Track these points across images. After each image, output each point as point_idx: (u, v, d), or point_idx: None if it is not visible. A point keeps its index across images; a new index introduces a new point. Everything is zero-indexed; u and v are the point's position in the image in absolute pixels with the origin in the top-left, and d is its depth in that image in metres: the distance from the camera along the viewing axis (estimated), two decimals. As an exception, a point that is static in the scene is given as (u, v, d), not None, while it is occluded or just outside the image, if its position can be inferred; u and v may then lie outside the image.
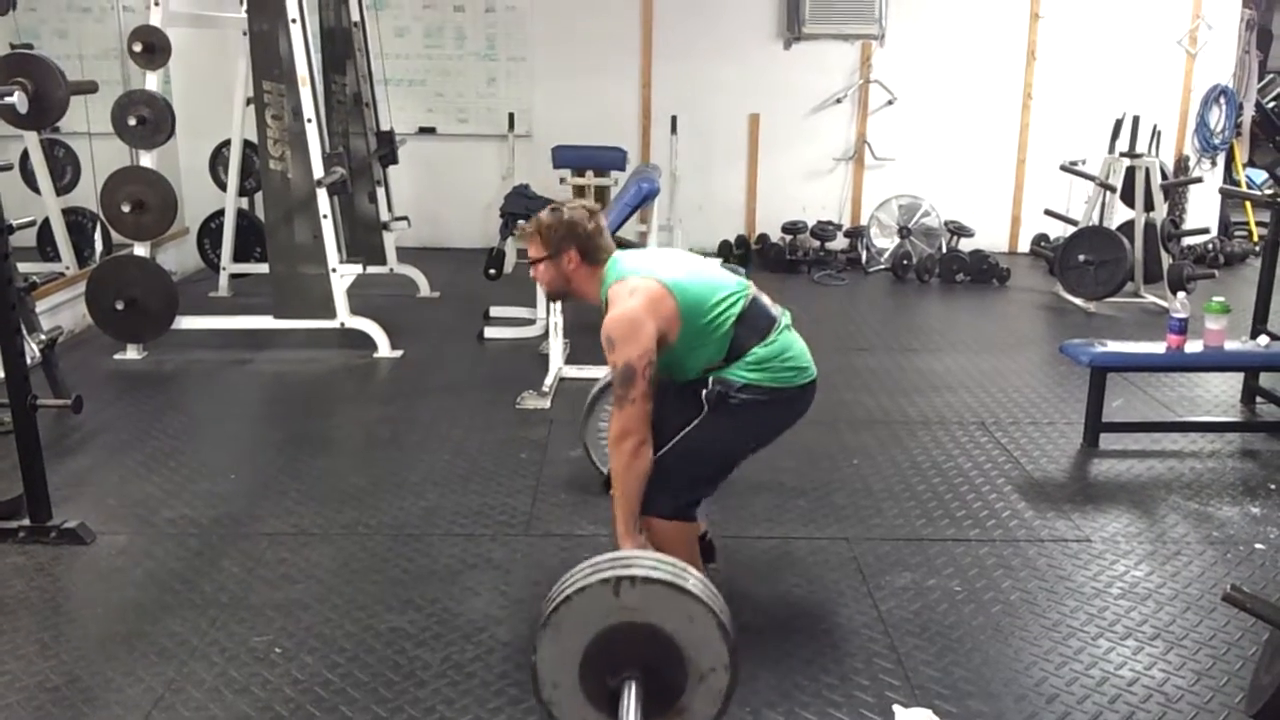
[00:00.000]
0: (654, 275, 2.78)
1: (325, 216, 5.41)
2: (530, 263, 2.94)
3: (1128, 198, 6.99)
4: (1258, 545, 3.46)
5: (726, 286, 2.84)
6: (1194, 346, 4.36)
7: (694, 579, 2.16)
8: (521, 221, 2.95)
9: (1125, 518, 3.67)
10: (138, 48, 5.29)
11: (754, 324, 2.81)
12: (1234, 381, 5.04)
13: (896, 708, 2.57)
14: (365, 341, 5.54)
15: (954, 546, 3.43)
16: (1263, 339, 4.57)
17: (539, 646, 2.13)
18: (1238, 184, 8.43)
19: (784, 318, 2.91)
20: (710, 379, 2.78)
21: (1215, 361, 4.61)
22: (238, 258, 6.80)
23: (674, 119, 7.86)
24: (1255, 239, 8.26)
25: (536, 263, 2.91)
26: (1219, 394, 5.06)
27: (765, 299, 2.91)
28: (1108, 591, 3.14)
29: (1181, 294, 4.49)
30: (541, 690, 2.16)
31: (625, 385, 2.68)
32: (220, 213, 6.80)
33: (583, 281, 2.88)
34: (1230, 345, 4.43)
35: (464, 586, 3.14)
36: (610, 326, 2.72)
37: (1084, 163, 7.34)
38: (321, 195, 5.38)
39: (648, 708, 2.10)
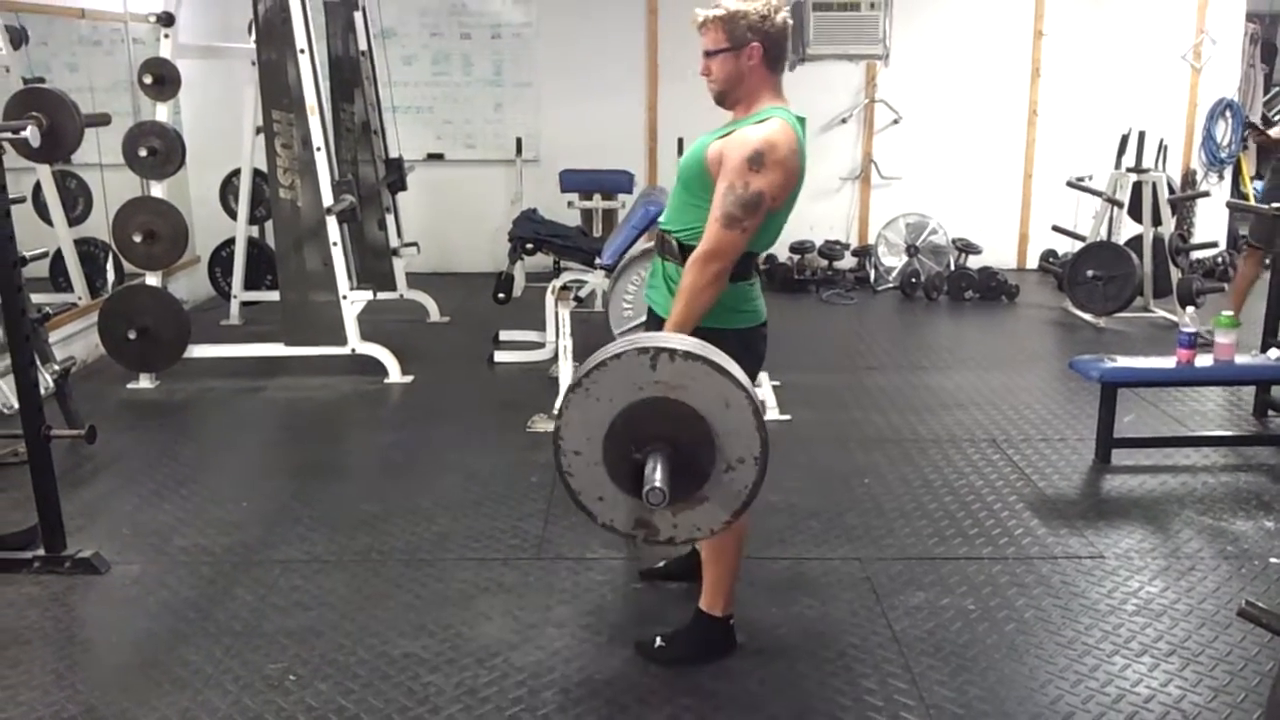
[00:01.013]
0: (803, 161, 2.64)
1: (335, 244, 5.44)
2: (705, 54, 2.66)
3: (1135, 213, 6.99)
4: (1272, 559, 3.44)
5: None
6: (1204, 360, 4.35)
7: (735, 366, 2.05)
8: (697, 10, 2.66)
9: (1139, 533, 3.66)
10: (148, 79, 5.35)
11: (750, 262, 2.73)
12: (1245, 395, 5.03)
13: (911, 728, 2.56)
14: (376, 367, 5.56)
15: (967, 565, 3.42)
16: (1273, 352, 4.56)
17: (565, 410, 2.03)
18: (1245, 197, 8.43)
19: (756, 276, 2.83)
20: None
21: (1225, 375, 4.60)
22: (249, 286, 6.84)
23: (680, 141, 7.88)
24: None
25: (714, 55, 2.64)
26: (1230, 408, 5.05)
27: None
28: (1122, 608, 3.13)
29: (1191, 308, 4.48)
30: (562, 456, 2.05)
31: (747, 210, 2.51)
32: (231, 241, 6.84)
33: (755, 84, 2.65)
34: (1240, 359, 4.42)
35: (476, 611, 3.14)
36: (766, 144, 2.53)
37: (1091, 178, 7.34)
38: (331, 223, 5.42)
39: (669, 491, 1.97)
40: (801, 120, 2.69)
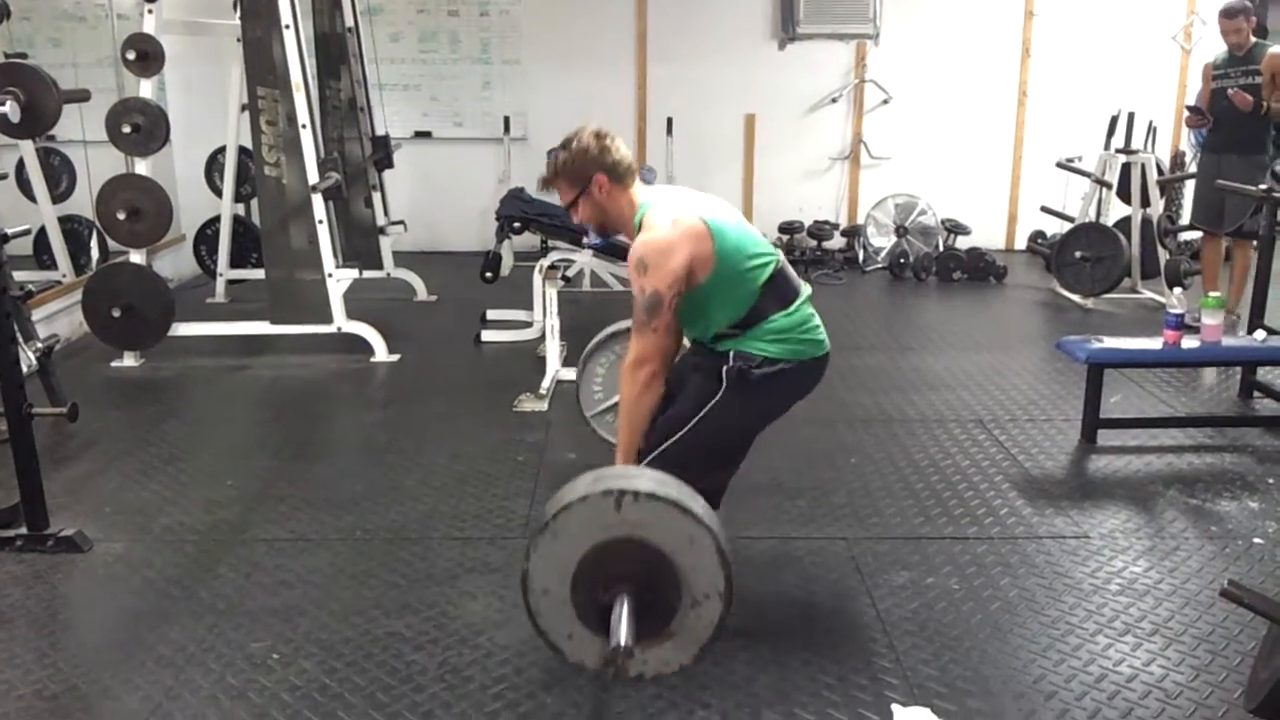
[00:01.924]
0: (696, 213, 2.74)
1: (321, 221, 5.40)
2: (567, 208, 2.91)
3: (1124, 194, 6.99)
4: (1256, 540, 3.45)
5: (762, 245, 2.85)
6: (1191, 342, 4.36)
7: (698, 503, 2.10)
8: (542, 173, 2.90)
9: (1123, 514, 3.67)
10: (132, 55, 5.30)
11: (779, 290, 2.81)
12: (1231, 376, 5.05)
13: (895, 707, 2.57)
14: (362, 346, 5.54)
15: (952, 545, 3.43)
16: (1259, 333, 4.58)
17: (533, 551, 2.07)
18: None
19: (805, 289, 2.92)
20: (731, 354, 2.77)
21: (1211, 357, 4.61)
22: (234, 264, 6.80)
23: (669, 120, 7.87)
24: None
25: (572, 205, 2.86)
26: (1216, 389, 5.06)
27: (791, 270, 2.92)
28: (1106, 588, 3.14)
29: (1178, 289, 4.49)
30: (530, 598, 2.10)
31: (650, 313, 2.65)
32: (216, 219, 6.80)
33: (618, 205, 2.82)
34: (1227, 340, 4.43)
35: (461, 590, 3.13)
36: (644, 249, 2.67)
37: (1080, 159, 7.34)
38: (317, 200, 5.38)
39: (637, 627, 2.03)
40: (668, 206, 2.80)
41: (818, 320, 2.92)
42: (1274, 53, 5.74)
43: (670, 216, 2.72)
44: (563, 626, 2.10)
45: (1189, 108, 6.16)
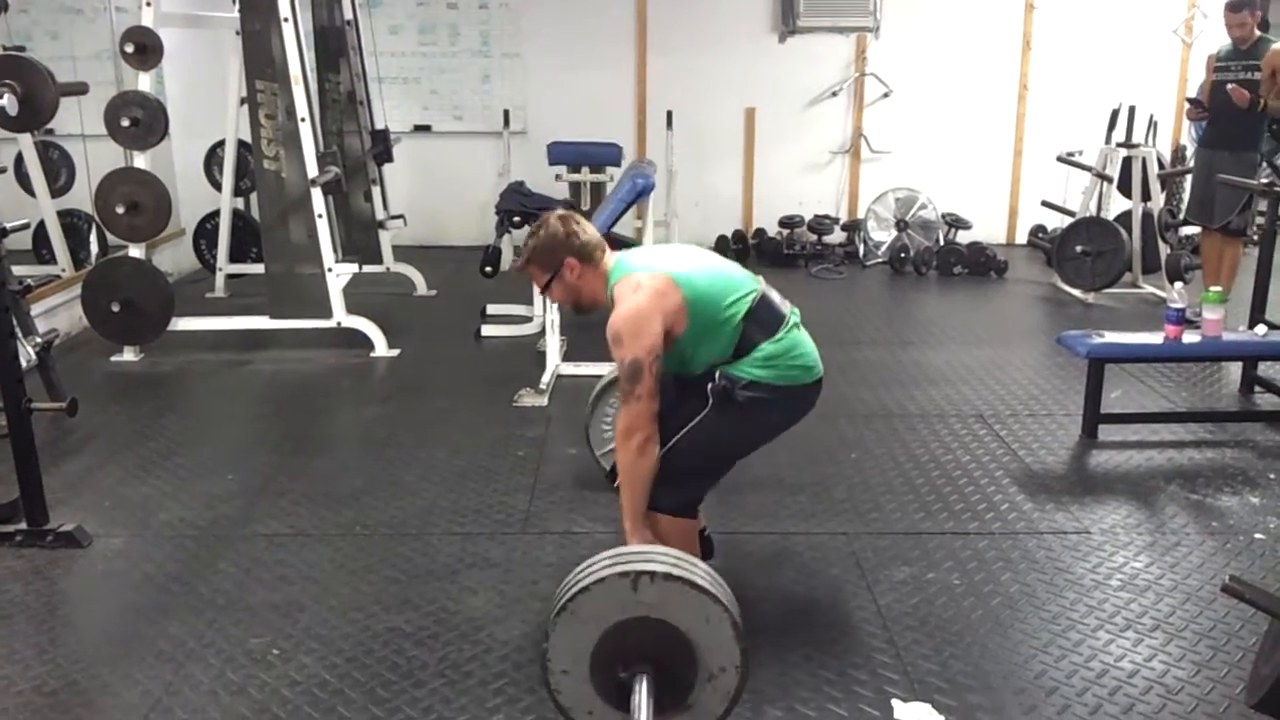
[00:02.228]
0: (661, 269, 2.77)
1: (320, 216, 5.39)
2: (541, 291, 3.00)
3: (1125, 188, 6.98)
4: (1257, 535, 3.45)
5: (735, 280, 2.85)
6: (1192, 336, 4.35)
7: (712, 579, 2.16)
8: (515, 262, 2.96)
9: (1124, 509, 3.67)
10: (130, 49, 5.28)
11: (763, 321, 2.80)
12: (1232, 371, 5.04)
13: (895, 702, 2.57)
14: (362, 341, 5.53)
15: (953, 540, 3.42)
16: (1261, 328, 4.57)
17: (552, 632, 2.12)
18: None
19: (793, 316, 2.89)
20: (716, 373, 2.77)
21: (1212, 351, 4.60)
22: (234, 258, 6.78)
23: (669, 114, 7.84)
24: (1253, 228, 8.25)
25: (546, 288, 2.93)
26: (1217, 384, 5.06)
27: (775, 296, 2.91)
28: (1107, 583, 3.13)
29: (1179, 284, 4.48)
30: (550, 677, 2.15)
31: (632, 381, 2.67)
32: (216, 213, 6.79)
33: (590, 283, 2.87)
34: (1228, 335, 4.42)
35: (461, 586, 3.13)
36: (616, 323, 2.71)
37: (1081, 153, 7.33)
38: (316, 194, 5.37)
39: (656, 703, 2.10)
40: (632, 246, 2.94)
41: (810, 346, 2.88)
42: (1277, 49, 5.70)
43: (633, 282, 2.74)
44: (583, 704, 2.17)
45: (1189, 100, 6.14)
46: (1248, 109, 5.66)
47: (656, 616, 2.11)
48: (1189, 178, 7.90)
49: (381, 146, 6.81)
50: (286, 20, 5.28)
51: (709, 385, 2.77)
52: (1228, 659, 2.73)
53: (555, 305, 4.97)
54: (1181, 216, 6.76)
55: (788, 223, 8.02)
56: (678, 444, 2.76)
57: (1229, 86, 5.72)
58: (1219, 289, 4.52)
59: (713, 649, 2.12)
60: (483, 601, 3.04)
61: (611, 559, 2.15)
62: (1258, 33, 5.85)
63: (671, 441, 2.76)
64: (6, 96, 3.17)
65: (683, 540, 2.75)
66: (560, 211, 2.94)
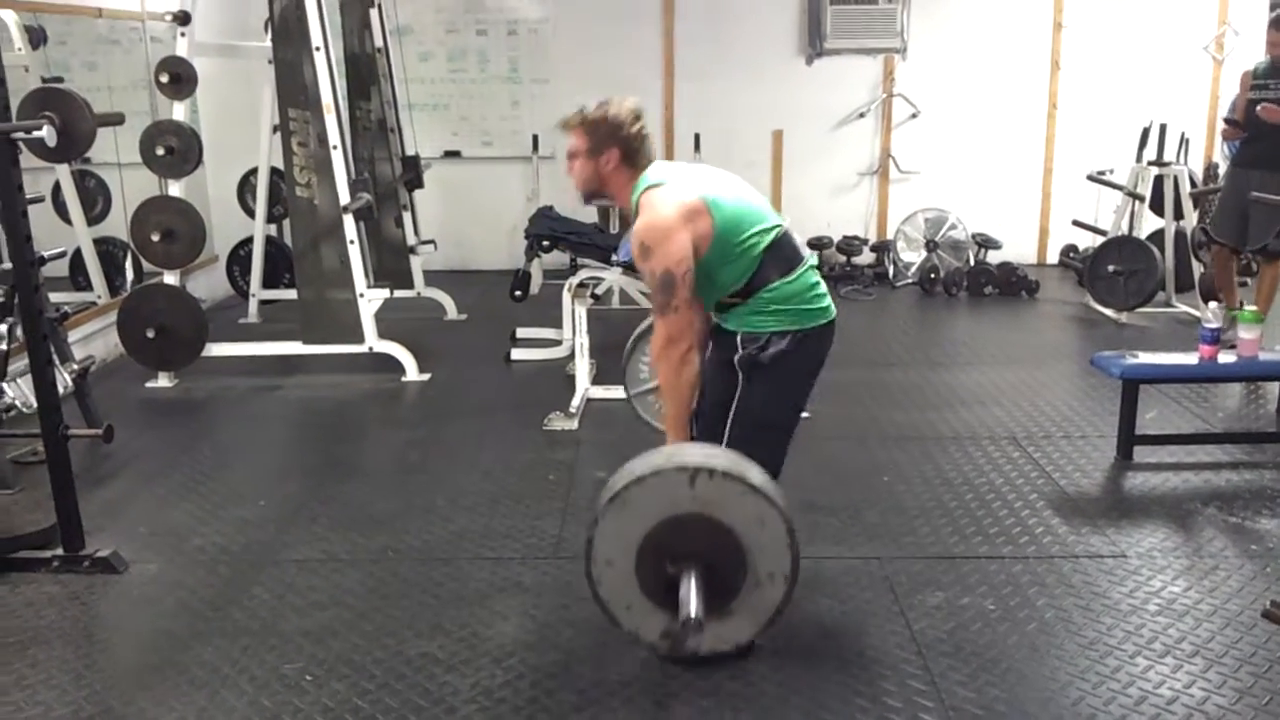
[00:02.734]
0: (692, 189, 2.76)
1: (352, 241, 5.44)
2: (568, 156, 2.91)
3: (1157, 207, 6.93)
4: (1298, 559, 3.40)
5: (762, 213, 2.86)
6: (1227, 357, 4.30)
7: (771, 485, 2.10)
8: (563, 116, 2.94)
9: (1161, 532, 3.62)
10: (165, 78, 5.37)
11: (781, 255, 2.81)
12: (1270, 391, 4.98)
13: (931, 730, 2.54)
14: (393, 365, 5.56)
15: (987, 564, 3.39)
16: (1299, 348, 4.51)
17: (602, 520, 2.07)
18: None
19: (811, 258, 2.91)
20: (739, 342, 2.78)
21: (1249, 371, 4.55)
22: (266, 284, 6.85)
23: (697, 137, 7.87)
24: None
25: (575, 157, 2.87)
26: (1254, 404, 4.99)
27: (795, 236, 2.92)
28: (1144, 608, 3.09)
29: (1214, 303, 4.43)
30: (593, 567, 2.10)
31: (666, 292, 2.65)
32: (249, 240, 6.86)
33: (619, 184, 2.84)
34: (1265, 355, 4.37)
35: (493, 611, 3.13)
36: (644, 233, 2.69)
37: (1112, 172, 7.28)
38: (348, 221, 5.42)
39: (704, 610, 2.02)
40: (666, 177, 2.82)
41: (823, 288, 2.91)
42: None
43: (665, 196, 2.73)
44: (623, 598, 2.10)
45: (1226, 120, 5.99)
46: None
47: (712, 514, 2.04)
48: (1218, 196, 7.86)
49: (412, 173, 6.87)
50: (318, 49, 5.35)
51: (735, 358, 2.77)
52: (1269, 685, 2.69)
53: (585, 329, 4.98)
54: (1210, 232, 6.59)
55: (816, 244, 8.00)
56: (730, 433, 2.76)
57: (1260, 107, 5.63)
58: (1254, 308, 4.46)
59: (764, 553, 2.05)
60: (514, 627, 3.03)
61: (670, 453, 2.09)
62: None
63: (725, 433, 2.75)
64: (45, 128, 3.21)
65: None
66: (635, 104, 2.88)
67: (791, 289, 2.81)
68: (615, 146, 2.80)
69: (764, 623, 2.08)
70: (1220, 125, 6.02)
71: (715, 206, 2.75)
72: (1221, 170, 8.17)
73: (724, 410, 2.80)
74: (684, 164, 3.04)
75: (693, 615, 1.99)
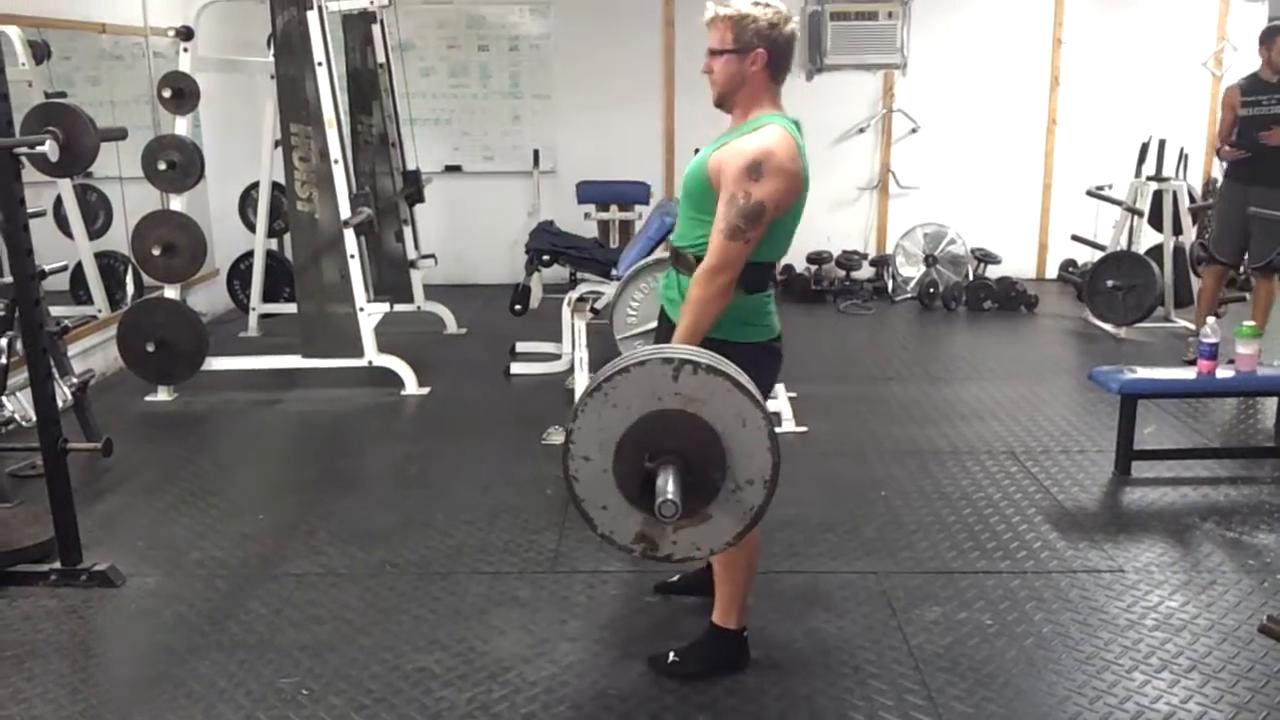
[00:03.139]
0: (804, 169, 2.62)
1: (352, 256, 5.45)
2: (710, 52, 2.69)
3: (1155, 222, 6.94)
4: (1295, 574, 3.40)
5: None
6: (1225, 372, 4.31)
7: (754, 386, 2.05)
8: (710, 4, 2.71)
9: (1159, 547, 3.62)
10: (167, 93, 5.39)
11: (760, 274, 2.68)
12: (1268, 406, 4.98)
13: (927, 745, 2.54)
14: (393, 379, 5.57)
15: (985, 579, 3.39)
16: (1296, 363, 4.52)
17: (581, 413, 2.01)
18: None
19: (772, 289, 2.80)
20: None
21: (1247, 386, 4.55)
22: (267, 298, 6.87)
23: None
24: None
25: (718, 54, 2.67)
26: (1252, 419, 5.00)
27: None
28: (1142, 623, 3.09)
29: (1212, 318, 4.44)
30: (570, 461, 2.03)
31: (750, 221, 2.49)
32: (249, 254, 6.88)
33: (755, 91, 2.64)
34: (1263, 370, 4.37)
35: (490, 625, 3.13)
36: (764, 154, 2.51)
37: (1110, 187, 7.30)
38: (349, 235, 5.43)
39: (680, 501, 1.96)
40: (797, 125, 2.67)
41: (773, 309, 2.76)
42: None
43: (791, 148, 2.57)
44: (599, 496, 2.04)
45: (1230, 144, 5.90)
46: None
47: (694, 411, 1.99)
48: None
49: (413, 187, 6.89)
50: (320, 64, 5.37)
51: None
52: (1266, 700, 2.69)
53: (584, 344, 4.99)
54: (1208, 248, 6.54)
55: (816, 259, 8.02)
56: None
57: (1262, 135, 5.60)
58: (1252, 323, 4.47)
59: (745, 457, 1.99)
60: (511, 642, 3.04)
61: (655, 349, 2.05)
62: None
63: None
64: (48, 143, 3.23)
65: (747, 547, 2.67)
66: (790, 13, 2.67)
67: (745, 304, 2.66)
68: (764, 47, 2.60)
69: (740, 529, 2.03)
70: (1222, 148, 5.94)
71: (800, 196, 2.63)
72: (1220, 185, 8.18)
73: None
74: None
75: (669, 498, 1.93)
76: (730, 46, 2.62)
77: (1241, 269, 6.23)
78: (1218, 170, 8.13)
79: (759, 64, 2.62)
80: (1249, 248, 5.84)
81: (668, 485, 1.97)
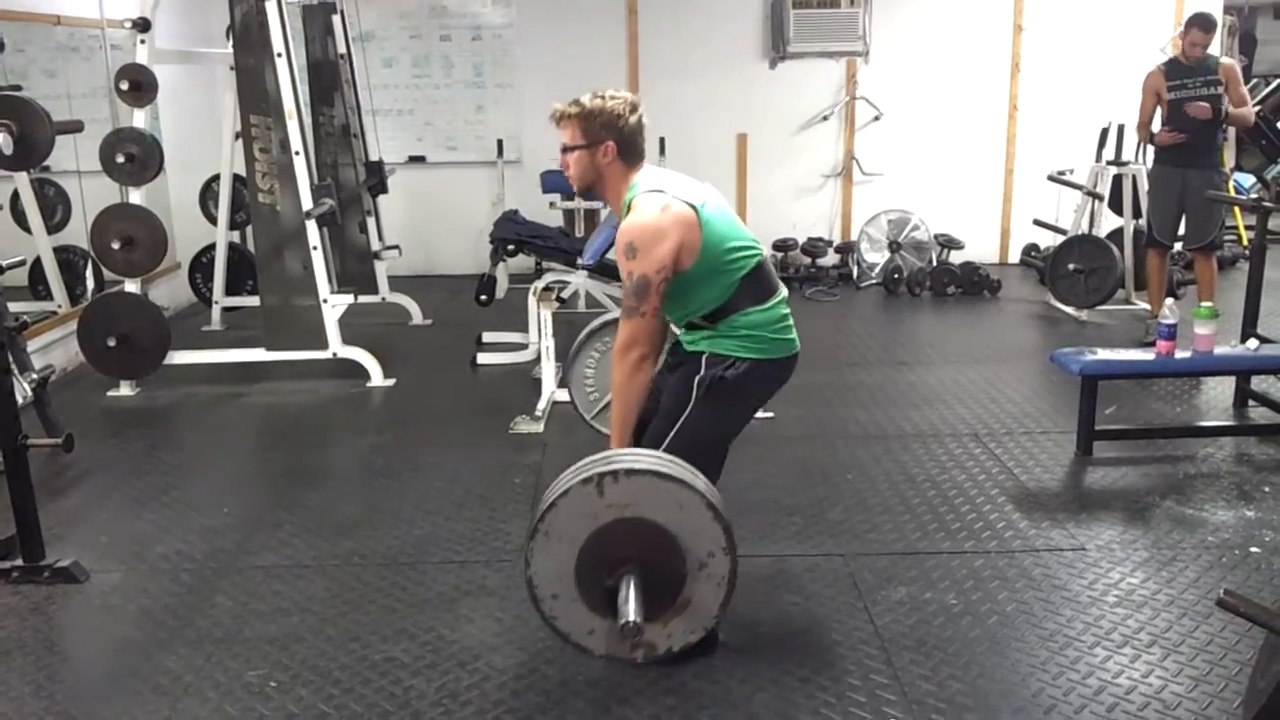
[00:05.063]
0: (687, 199, 2.76)
1: (315, 248, 5.42)
2: (563, 149, 2.82)
3: (1116, 206, 7.02)
4: (1253, 549, 3.46)
5: (748, 238, 2.88)
6: (1184, 352, 4.37)
7: (678, 466, 2.10)
8: (557, 105, 2.87)
9: (1120, 525, 3.67)
10: (125, 85, 5.32)
11: (758, 283, 2.84)
12: (1225, 386, 5.05)
13: (893, 723, 2.56)
14: (358, 371, 5.54)
15: (949, 559, 3.43)
16: (1252, 342, 4.59)
17: (531, 559, 2.06)
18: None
19: (783, 290, 2.95)
20: (704, 362, 2.79)
21: (1205, 366, 4.61)
22: (229, 291, 6.81)
23: (662, 140, 7.87)
24: (1244, 243, 8.29)
25: (570, 150, 2.80)
26: (1210, 399, 5.07)
27: (771, 268, 2.95)
28: (1104, 600, 3.14)
29: (1170, 300, 4.50)
30: (541, 604, 2.09)
31: (639, 296, 2.65)
32: (211, 247, 6.82)
33: (614, 179, 2.79)
34: (1220, 350, 4.44)
35: (458, 614, 3.13)
36: (633, 233, 2.67)
37: (1071, 172, 7.37)
38: (311, 227, 5.40)
39: (651, 605, 2.01)
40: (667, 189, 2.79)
41: (791, 322, 2.94)
42: (1229, 61, 5.81)
43: (661, 202, 2.72)
44: (581, 625, 2.08)
45: (1169, 129, 5.96)
46: (1209, 121, 5.69)
47: (630, 515, 2.03)
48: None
49: (376, 178, 6.85)
50: (280, 55, 5.32)
51: (696, 378, 2.78)
52: (1225, 673, 2.74)
53: (550, 333, 4.99)
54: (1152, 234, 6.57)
55: (781, 246, 8.05)
56: (672, 443, 2.76)
57: (1190, 105, 5.72)
58: (1210, 304, 4.53)
59: (695, 535, 2.05)
60: (479, 630, 3.03)
61: (574, 471, 2.09)
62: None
63: (665, 442, 2.76)
64: (2, 135, 3.19)
65: None
66: (635, 98, 2.82)
67: (762, 318, 2.83)
68: (612, 139, 2.75)
69: (723, 596, 2.08)
70: (1155, 134, 6.00)
71: (706, 221, 2.75)
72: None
73: (671, 423, 2.80)
74: (678, 173, 3.00)
75: (631, 619, 1.99)
76: (580, 142, 2.79)
77: (1180, 249, 6.32)
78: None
79: (610, 155, 2.77)
80: (1186, 229, 5.94)
81: (627, 603, 2.01)
